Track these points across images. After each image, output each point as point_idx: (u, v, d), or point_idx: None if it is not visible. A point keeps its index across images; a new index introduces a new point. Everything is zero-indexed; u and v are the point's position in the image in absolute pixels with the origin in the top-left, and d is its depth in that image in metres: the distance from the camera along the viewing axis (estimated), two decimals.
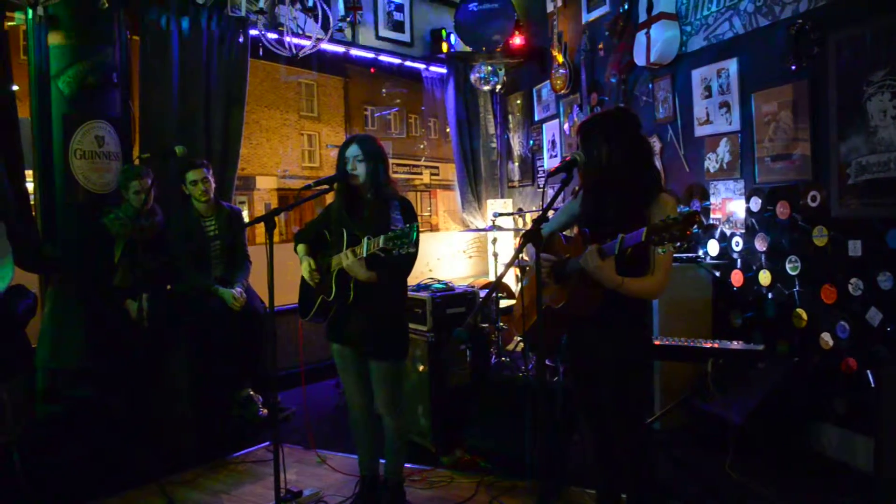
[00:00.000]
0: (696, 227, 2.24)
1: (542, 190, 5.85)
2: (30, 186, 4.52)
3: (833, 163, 3.96)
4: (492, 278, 6.66)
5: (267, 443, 4.50)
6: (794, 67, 4.16)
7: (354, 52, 6.64)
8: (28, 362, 4.29)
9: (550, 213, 2.81)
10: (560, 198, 2.65)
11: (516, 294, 3.37)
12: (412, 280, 3.72)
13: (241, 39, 5.42)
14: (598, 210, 2.75)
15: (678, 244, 2.23)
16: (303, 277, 3.44)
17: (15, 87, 4.36)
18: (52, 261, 4.42)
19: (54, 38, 4.38)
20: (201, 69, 5.21)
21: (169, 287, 4.60)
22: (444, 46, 7.20)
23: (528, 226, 2.36)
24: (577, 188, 2.88)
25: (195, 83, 5.19)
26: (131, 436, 4.13)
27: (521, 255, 2.69)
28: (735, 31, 4.61)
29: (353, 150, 3.18)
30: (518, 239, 2.36)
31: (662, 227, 2.24)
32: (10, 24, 4.51)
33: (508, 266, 2.34)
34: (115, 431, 4.25)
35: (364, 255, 2.99)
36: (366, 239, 2.98)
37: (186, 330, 4.48)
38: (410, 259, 3.13)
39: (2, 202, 4.12)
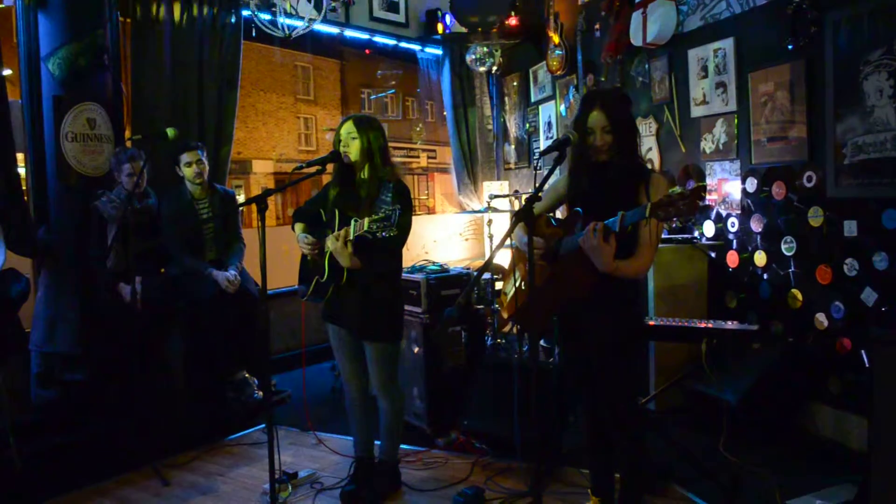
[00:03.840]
0: (702, 200, 2.24)
1: (536, 171, 5.81)
2: (21, 170, 4.49)
3: (829, 143, 3.94)
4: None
5: (262, 425, 4.51)
6: (791, 47, 4.13)
7: (349, 32, 6.60)
8: (22, 346, 4.28)
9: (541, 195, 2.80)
10: (553, 177, 2.63)
11: (505, 276, 3.36)
12: (407, 262, 3.72)
13: (233, 20, 5.38)
14: (594, 189, 2.74)
15: (686, 218, 2.23)
16: (303, 257, 3.43)
17: (8, 72, 4.32)
18: (44, 244, 4.40)
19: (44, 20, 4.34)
20: (193, 50, 5.17)
21: (162, 270, 4.59)
22: (440, 27, 7.14)
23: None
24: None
25: (187, 64, 5.15)
26: (126, 419, 4.13)
27: (511, 236, 2.68)
28: (732, 11, 4.57)
29: (347, 128, 3.16)
30: (511, 218, 2.35)
31: (667, 201, 2.24)
32: None
33: (499, 246, 2.33)
34: (110, 415, 4.25)
35: (351, 237, 2.97)
36: (353, 221, 2.97)
37: (180, 313, 4.47)
38: (395, 242, 3.09)
39: None
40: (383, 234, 2.83)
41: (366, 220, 2.87)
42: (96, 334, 4.39)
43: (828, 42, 3.92)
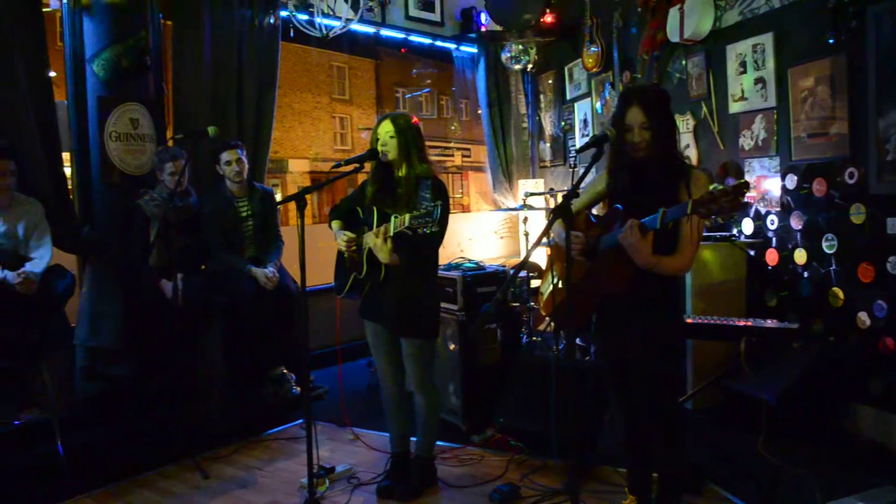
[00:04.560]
0: (744, 197, 2.22)
1: (573, 169, 5.80)
2: (67, 170, 4.60)
3: (871, 138, 3.87)
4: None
5: (300, 420, 4.56)
6: (831, 41, 4.05)
7: (385, 32, 6.63)
8: (68, 341, 4.39)
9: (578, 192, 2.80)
10: (591, 174, 2.62)
11: (542, 274, 3.35)
12: (443, 260, 3.73)
13: (271, 20, 5.44)
14: (634, 186, 2.73)
15: (728, 215, 2.21)
16: (339, 254, 3.46)
17: (53, 74, 4.43)
18: (89, 241, 4.51)
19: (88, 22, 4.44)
20: (233, 51, 5.24)
21: (203, 267, 4.67)
22: (476, 25, 7.14)
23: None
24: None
25: (227, 65, 5.22)
26: (167, 413, 4.21)
27: (549, 233, 2.68)
28: (771, 6, 4.51)
29: (385, 127, 3.19)
30: (548, 215, 2.36)
31: (710, 198, 2.22)
32: (45, 9, 4.57)
33: (537, 242, 2.33)
34: (152, 409, 4.34)
35: (392, 233, 2.99)
36: (393, 217, 2.99)
37: (220, 309, 4.54)
38: (433, 239, 3.10)
39: (40, 185, 4.20)
40: (424, 230, 2.85)
41: (406, 216, 2.89)
42: (139, 330, 4.48)
43: (870, 36, 3.84)
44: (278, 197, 5.02)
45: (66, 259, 4.39)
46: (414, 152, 3.18)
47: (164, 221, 4.24)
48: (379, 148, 3.18)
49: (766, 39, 4.54)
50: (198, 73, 5.08)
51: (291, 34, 5.52)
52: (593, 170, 2.58)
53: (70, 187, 4.57)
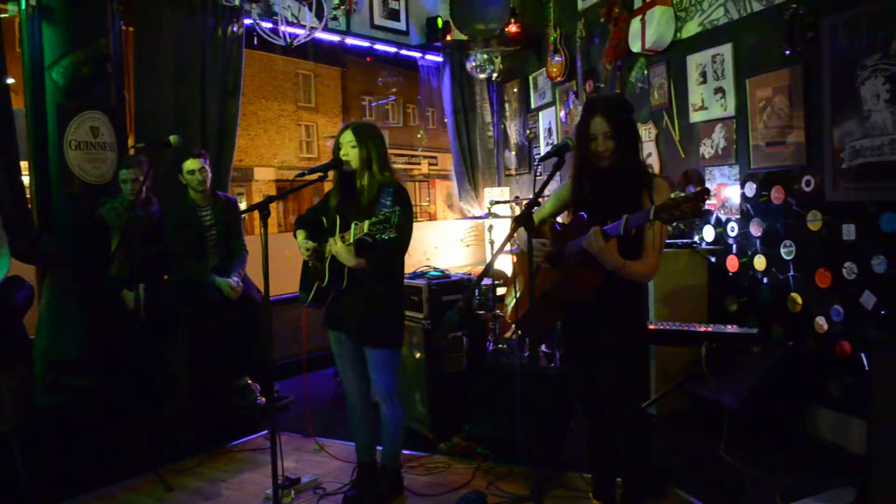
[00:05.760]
0: (706, 203, 2.27)
1: (536, 177, 5.83)
2: (25, 178, 4.51)
3: (827, 147, 3.96)
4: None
5: (265, 431, 4.52)
6: (788, 52, 4.14)
7: (350, 40, 6.62)
8: (26, 353, 4.29)
9: (542, 200, 2.82)
10: (553, 183, 2.65)
11: (508, 282, 3.37)
12: (408, 268, 3.73)
13: (235, 28, 5.40)
14: (598, 194, 2.76)
15: (690, 221, 2.26)
16: (304, 264, 3.45)
17: (11, 80, 4.34)
18: (48, 252, 4.42)
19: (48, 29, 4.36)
20: (196, 59, 5.20)
21: (165, 277, 4.61)
22: (440, 34, 7.17)
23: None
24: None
25: (190, 73, 5.18)
26: (130, 425, 4.14)
27: (515, 241, 2.69)
28: (730, 17, 4.59)
29: (347, 137, 3.19)
30: (511, 224, 2.37)
31: (672, 204, 2.26)
32: (3, 15, 4.49)
33: (499, 251, 2.34)
34: (114, 421, 4.26)
35: (351, 240, 2.99)
36: (353, 224, 2.98)
37: (184, 319, 4.48)
38: (395, 244, 3.07)
39: None
40: (383, 235, 2.86)
41: (366, 223, 2.89)
42: (100, 341, 4.40)
43: (825, 47, 3.93)
44: (243, 206, 4.98)
45: (24, 270, 4.29)
46: (375, 161, 3.18)
47: (125, 231, 4.18)
48: (341, 157, 3.18)
49: (725, 50, 4.62)
50: (160, 81, 5.02)
51: (255, 42, 5.49)
52: (558, 178, 2.61)
53: (28, 196, 4.48)
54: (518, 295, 3.12)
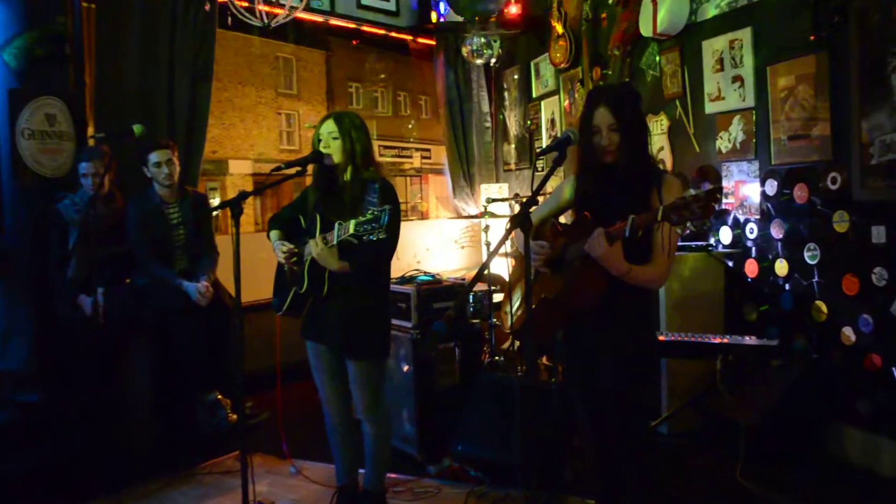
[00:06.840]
0: (718, 203, 2.25)
1: (539, 172, 5.83)
2: None
3: (855, 141, 3.95)
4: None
5: (236, 451, 4.48)
6: (812, 37, 4.14)
7: (335, 21, 6.62)
8: None
9: (541, 198, 2.80)
10: (554, 179, 2.63)
11: (505, 286, 3.35)
12: (396, 272, 3.70)
13: (207, 7, 5.38)
14: (602, 192, 2.74)
15: (701, 222, 2.24)
16: (278, 267, 3.42)
17: None
18: None
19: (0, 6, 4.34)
20: (164, 39, 5.18)
21: (128, 280, 4.57)
22: (433, 16, 7.16)
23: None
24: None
25: (157, 55, 5.17)
26: (86, 445, 4.10)
27: (513, 243, 2.67)
28: None
29: (328, 127, 3.15)
30: (506, 224, 2.35)
31: (682, 204, 2.24)
32: None
33: (493, 254, 2.32)
34: (68, 440, 4.23)
35: (335, 242, 2.96)
36: (337, 224, 2.94)
37: (147, 327, 4.46)
38: (383, 246, 3.06)
39: None
40: (371, 237, 2.82)
41: (351, 223, 2.85)
42: (53, 350, 4.38)
43: (852, 32, 3.92)
44: (215, 202, 4.95)
45: None
46: (359, 154, 3.15)
47: (85, 229, 4.16)
48: (321, 149, 3.15)
49: (745, 35, 4.62)
50: (124, 64, 5.01)
51: (229, 22, 5.46)
52: (560, 175, 2.59)
53: None
54: (517, 303, 3.09)
